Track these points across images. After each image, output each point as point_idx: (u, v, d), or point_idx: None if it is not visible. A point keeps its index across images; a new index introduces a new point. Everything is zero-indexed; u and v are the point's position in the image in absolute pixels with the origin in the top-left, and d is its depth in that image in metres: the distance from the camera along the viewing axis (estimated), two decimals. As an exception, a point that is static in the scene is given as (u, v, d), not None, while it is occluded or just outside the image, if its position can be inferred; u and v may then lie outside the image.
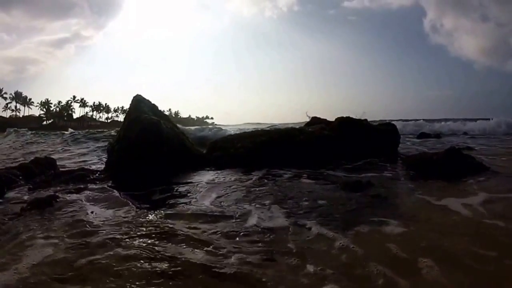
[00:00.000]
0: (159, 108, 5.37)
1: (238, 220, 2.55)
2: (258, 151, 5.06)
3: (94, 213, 2.85)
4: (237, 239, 2.21)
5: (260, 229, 2.36)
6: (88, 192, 3.59)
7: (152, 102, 5.49)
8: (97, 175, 4.59)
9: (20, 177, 5.13)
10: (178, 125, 6.15)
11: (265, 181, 3.89)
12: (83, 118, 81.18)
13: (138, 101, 5.03)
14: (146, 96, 5.37)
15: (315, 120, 6.61)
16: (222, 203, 3.00)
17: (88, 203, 3.17)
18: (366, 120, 6.21)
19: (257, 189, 3.51)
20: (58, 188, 3.95)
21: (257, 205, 2.90)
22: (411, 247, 2.02)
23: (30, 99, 78.36)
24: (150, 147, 3.89)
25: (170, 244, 2.13)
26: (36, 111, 79.58)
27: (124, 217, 2.68)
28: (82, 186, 3.87)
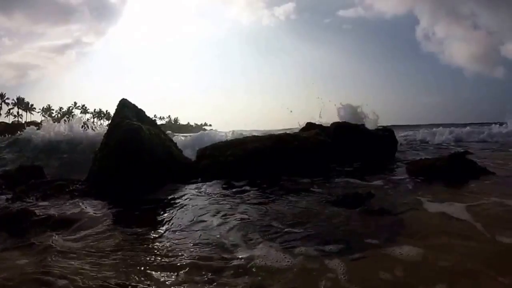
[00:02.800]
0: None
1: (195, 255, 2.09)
2: (249, 159, 4.79)
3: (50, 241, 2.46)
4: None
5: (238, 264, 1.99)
6: (59, 208, 3.32)
7: (139, 107, 5.24)
8: (77, 185, 4.33)
9: (3, 186, 4.92)
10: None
11: (251, 196, 3.53)
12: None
13: (123, 105, 4.78)
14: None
15: (309, 126, 6.36)
16: (190, 234, 2.50)
17: (54, 219, 2.91)
18: (363, 125, 5.98)
19: (240, 208, 3.10)
20: (33, 200, 3.71)
21: (234, 232, 2.48)
22: (424, 275, 1.74)
23: (32, 105, 78.67)
24: (130, 156, 3.62)
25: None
26: (38, 117, 79.76)
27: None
28: (56, 200, 3.62)
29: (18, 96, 77.16)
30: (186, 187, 4.00)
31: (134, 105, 4.97)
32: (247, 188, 3.89)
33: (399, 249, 2.01)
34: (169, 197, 3.54)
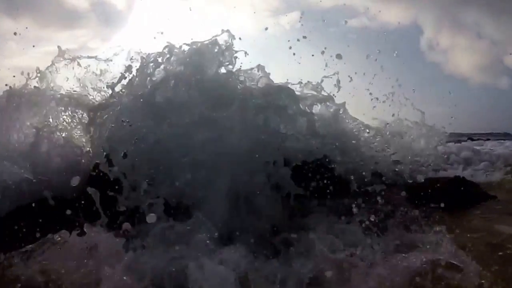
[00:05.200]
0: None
1: None
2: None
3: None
4: None
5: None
6: (52, 237, 3.08)
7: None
8: (80, 206, 4.29)
9: None
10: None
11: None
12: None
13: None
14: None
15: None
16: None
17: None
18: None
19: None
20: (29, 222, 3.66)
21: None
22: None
23: (37, 109, 78.88)
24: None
25: None
26: (42, 121, 79.92)
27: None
28: (55, 224, 3.55)
29: (23, 100, 77.41)
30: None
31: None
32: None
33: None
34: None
